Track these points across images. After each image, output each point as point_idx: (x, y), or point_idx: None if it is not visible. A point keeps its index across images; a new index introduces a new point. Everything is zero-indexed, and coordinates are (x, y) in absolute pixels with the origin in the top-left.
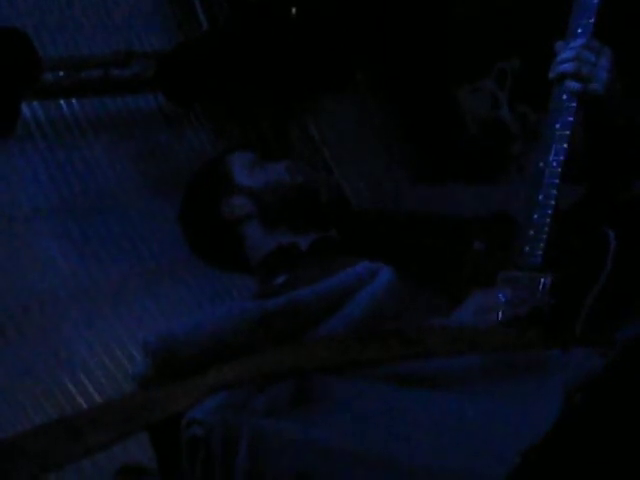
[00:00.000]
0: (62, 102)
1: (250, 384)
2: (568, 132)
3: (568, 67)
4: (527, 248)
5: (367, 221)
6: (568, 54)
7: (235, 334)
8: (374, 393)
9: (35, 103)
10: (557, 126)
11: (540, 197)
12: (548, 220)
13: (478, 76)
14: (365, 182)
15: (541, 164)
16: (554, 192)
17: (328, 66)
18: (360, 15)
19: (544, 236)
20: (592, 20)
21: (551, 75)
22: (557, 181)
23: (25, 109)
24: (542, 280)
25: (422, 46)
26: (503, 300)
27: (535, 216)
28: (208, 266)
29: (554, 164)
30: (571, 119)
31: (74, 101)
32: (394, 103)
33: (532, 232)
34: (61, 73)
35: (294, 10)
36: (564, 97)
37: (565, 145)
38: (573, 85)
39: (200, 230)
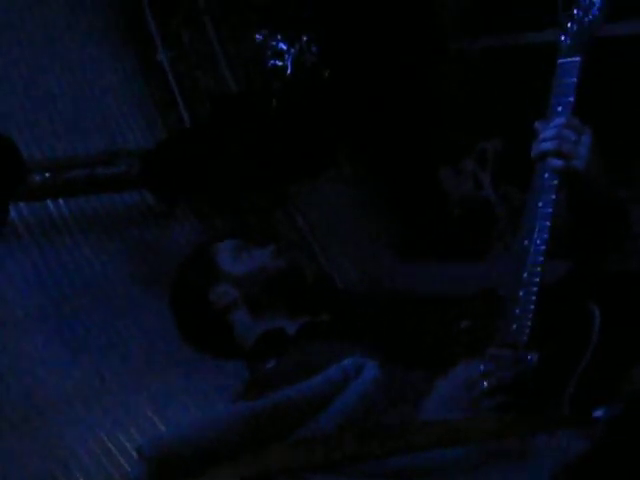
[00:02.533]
0: (49, 202)
1: None
2: (551, 210)
3: (549, 145)
4: (513, 326)
5: (354, 302)
6: (549, 133)
7: (225, 437)
8: None
9: (22, 205)
10: (540, 204)
11: (525, 275)
12: (533, 298)
13: (460, 157)
14: (351, 263)
15: (525, 242)
16: (539, 270)
17: (310, 154)
18: (342, 102)
19: (530, 314)
20: (572, 99)
21: (533, 154)
22: (542, 259)
23: (12, 211)
24: (528, 357)
25: (405, 128)
26: (485, 369)
27: (521, 294)
28: (199, 353)
29: (538, 242)
30: (554, 197)
31: (61, 201)
32: (378, 184)
33: (518, 310)
34: (47, 174)
35: (274, 102)
36: (546, 175)
37: (548, 223)
38: (555, 163)
39: (189, 318)
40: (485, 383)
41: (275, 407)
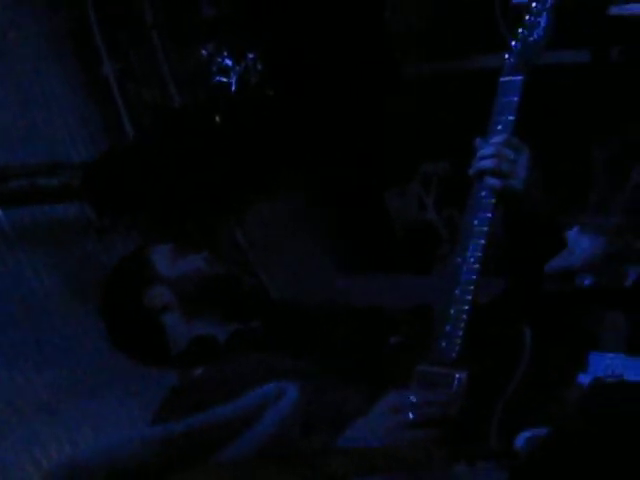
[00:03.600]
0: None
1: None
2: (486, 228)
3: (487, 163)
4: (443, 343)
5: (287, 313)
6: (487, 150)
7: (137, 460)
8: None
9: None
10: (475, 222)
11: (457, 292)
12: (464, 316)
13: (405, 179)
14: (288, 276)
15: (459, 259)
16: (471, 287)
17: (253, 171)
18: (286, 121)
19: (460, 332)
20: (512, 118)
21: (471, 171)
22: (474, 277)
23: None
24: (457, 376)
25: (351, 149)
26: (414, 401)
27: (452, 311)
28: (129, 359)
29: (471, 260)
30: (489, 215)
31: (0, 211)
32: (322, 201)
33: (449, 327)
34: None
35: (218, 118)
36: (483, 193)
37: (483, 241)
38: (492, 182)
39: (121, 319)
40: (412, 415)
41: (191, 430)
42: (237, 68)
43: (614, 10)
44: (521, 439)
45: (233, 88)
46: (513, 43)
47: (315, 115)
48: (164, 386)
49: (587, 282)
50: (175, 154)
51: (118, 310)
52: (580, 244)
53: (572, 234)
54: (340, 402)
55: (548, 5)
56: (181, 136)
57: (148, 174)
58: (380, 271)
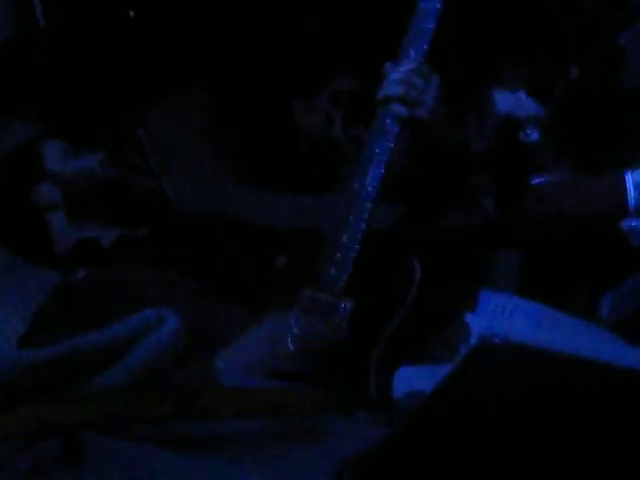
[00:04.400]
0: None
1: (15, 441)
2: (386, 157)
3: (395, 90)
4: (332, 270)
5: (178, 223)
6: (397, 76)
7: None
8: (146, 454)
9: None
10: (377, 149)
11: (351, 219)
12: (356, 245)
13: (314, 93)
14: (189, 185)
15: (356, 186)
16: (366, 216)
17: (163, 71)
18: (202, 20)
19: (350, 260)
20: (425, 46)
21: (378, 96)
22: (370, 205)
23: None
24: (342, 305)
25: (261, 57)
26: (295, 332)
27: (344, 238)
28: (11, 255)
29: (369, 188)
30: (391, 144)
31: None
32: (230, 110)
33: (339, 254)
34: None
35: (131, 12)
36: (388, 121)
37: (382, 170)
38: (398, 109)
39: (4, 213)
40: (291, 345)
41: (62, 355)
42: None
43: None
44: (399, 391)
45: None
46: None
47: (227, 19)
48: (44, 287)
49: (534, 136)
50: (84, 46)
51: (2, 201)
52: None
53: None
54: (224, 326)
55: None
56: (92, 28)
57: (54, 63)
58: (281, 185)
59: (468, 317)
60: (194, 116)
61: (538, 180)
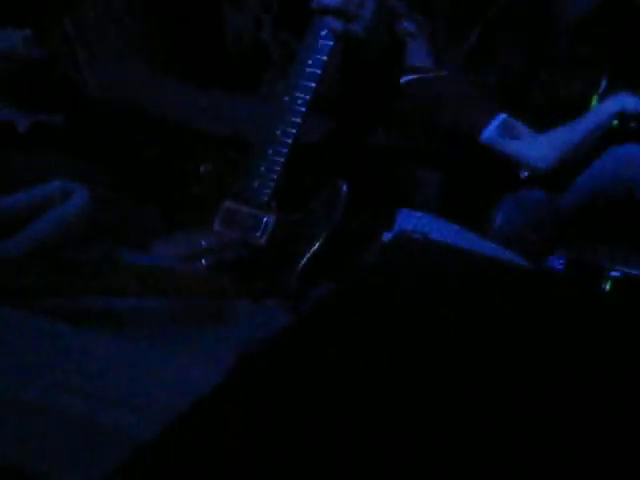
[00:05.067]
0: None
1: None
2: (319, 72)
3: (332, 1)
4: (256, 183)
5: (97, 111)
6: None
7: None
8: (42, 328)
9: None
10: (309, 62)
11: (278, 132)
12: (282, 159)
13: None
14: (113, 77)
15: (286, 98)
16: (293, 130)
17: None
18: None
19: (275, 174)
20: None
21: (313, 5)
22: (299, 120)
23: None
24: (265, 219)
25: None
26: (205, 246)
27: (270, 151)
28: None
29: (299, 102)
30: (325, 58)
31: None
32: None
33: (264, 168)
34: None
35: None
36: (322, 33)
37: (313, 84)
38: (334, 24)
39: None
40: (204, 261)
41: None
42: None
43: None
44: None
45: None
46: None
47: None
48: None
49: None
50: None
51: None
52: None
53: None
54: (134, 217)
55: None
56: None
57: None
58: (206, 82)
59: (385, 235)
60: (122, 6)
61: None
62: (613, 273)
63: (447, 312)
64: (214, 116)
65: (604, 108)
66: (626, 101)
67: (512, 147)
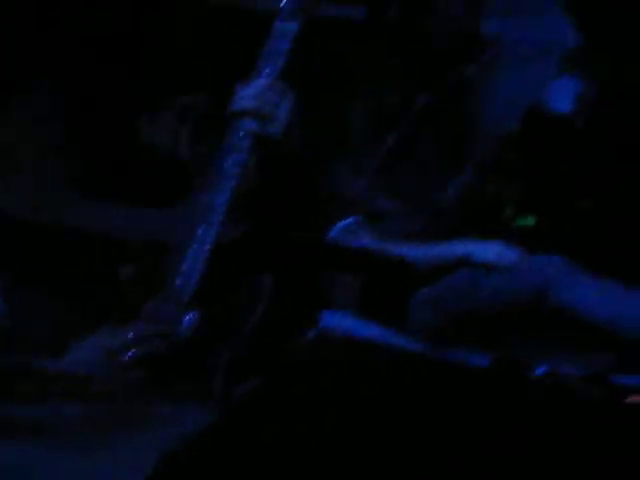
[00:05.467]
0: None
1: None
2: (238, 170)
3: (248, 104)
4: (178, 282)
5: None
6: (250, 91)
7: None
8: None
9: None
10: (229, 163)
11: (200, 231)
12: (205, 256)
13: (161, 108)
14: (28, 191)
15: (206, 198)
16: (215, 228)
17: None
18: (40, 23)
19: (197, 272)
20: (281, 63)
21: (230, 110)
22: (220, 218)
23: None
24: (187, 317)
25: (108, 69)
26: (133, 338)
27: (192, 250)
28: None
29: (219, 200)
30: (242, 159)
31: None
32: (73, 117)
33: (186, 266)
34: None
35: None
36: (240, 134)
37: (233, 183)
38: (250, 124)
39: None
40: (129, 354)
41: None
42: None
43: None
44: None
45: None
46: None
47: (74, 29)
48: None
49: None
50: None
51: None
52: None
53: None
54: (57, 326)
55: None
56: None
57: None
58: (124, 200)
59: (309, 334)
60: (35, 120)
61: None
62: (539, 370)
63: (367, 403)
64: (134, 227)
65: (452, 248)
66: (478, 249)
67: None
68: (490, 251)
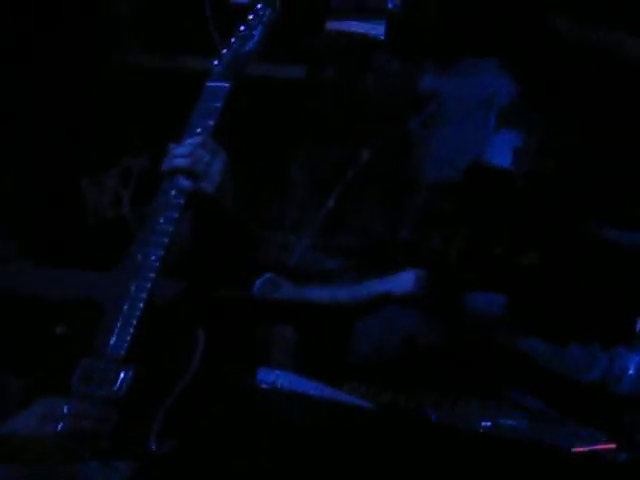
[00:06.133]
0: None
1: None
2: (171, 228)
3: (180, 162)
4: (112, 339)
5: None
6: (182, 150)
7: None
8: None
9: None
10: (161, 220)
11: (133, 289)
12: (138, 313)
13: (103, 170)
14: None
15: (139, 256)
16: (148, 285)
17: None
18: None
19: (131, 329)
20: (212, 122)
21: (163, 168)
22: (153, 275)
23: None
24: (122, 374)
25: (50, 132)
26: (67, 412)
27: (125, 307)
28: None
29: (152, 257)
30: (176, 215)
31: None
32: (15, 183)
33: (120, 323)
34: None
35: None
36: (172, 192)
37: (166, 240)
38: (183, 182)
39: None
40: (60, 425)
41: None
42: None
43: (331, 25)
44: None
45: None
46: (224, 50)
47: (17, 91)
48: None
49: None
50: None
51: None
52: None
53: None
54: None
55: (264, 19)
56: None
57: None
58: (65, 260)
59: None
60: None
61: None
62: (484, 423)
63: (294, 455)
64: (69, 287)
65: (374, 286)
66: (394, 282)
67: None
68: (405, 281)
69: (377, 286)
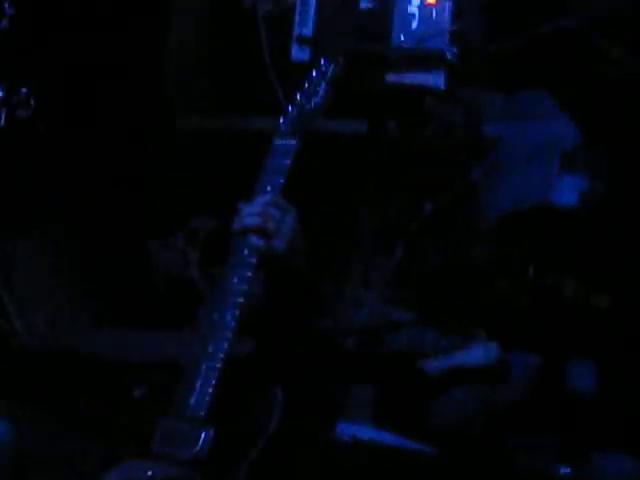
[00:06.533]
0: None
1: None
2: (245, 287)
3: (252, 221)
4: (192, 400)
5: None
6: (253, 208)
7: None
8: None
9: None
10: (235, 280)
11: (211, 348)
12: (216, 373)
13: (170, 232)
14: (44, 323)
15: (215, 316)
16: (225, 345)
17: (18, 209)
18: (56, 160)
19: (210, 389)
20: (282, 180)
21: (234, 227)
22: (230, 334)
23: None
24: (203, 434)
25: (118, 196)
26: (151, 475)
27: (204, 367)
28: None
29: (228, 317)
30: (249, 274)
31: None
32: (84, 247)
33: (199, 384)
34: None
35: None
36: (245, 251)
37: (241, 299)
38: (255, 241)
39: None
40: None
41: None
42: (8, 102)
43: (390, 77)
44: None
45: (1, 122)
46: (289, 108)
47: (86, 156)
48: None
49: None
50: None
51: None
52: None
53: None
54: (71, 453)
55: (328, 76)
56: None
57: None
58: (140, 324)
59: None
60: (51, 253)
61: None
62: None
63: None
64: (150, 351)
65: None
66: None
67: None
68: (476, 355)
69: (460, 358)
